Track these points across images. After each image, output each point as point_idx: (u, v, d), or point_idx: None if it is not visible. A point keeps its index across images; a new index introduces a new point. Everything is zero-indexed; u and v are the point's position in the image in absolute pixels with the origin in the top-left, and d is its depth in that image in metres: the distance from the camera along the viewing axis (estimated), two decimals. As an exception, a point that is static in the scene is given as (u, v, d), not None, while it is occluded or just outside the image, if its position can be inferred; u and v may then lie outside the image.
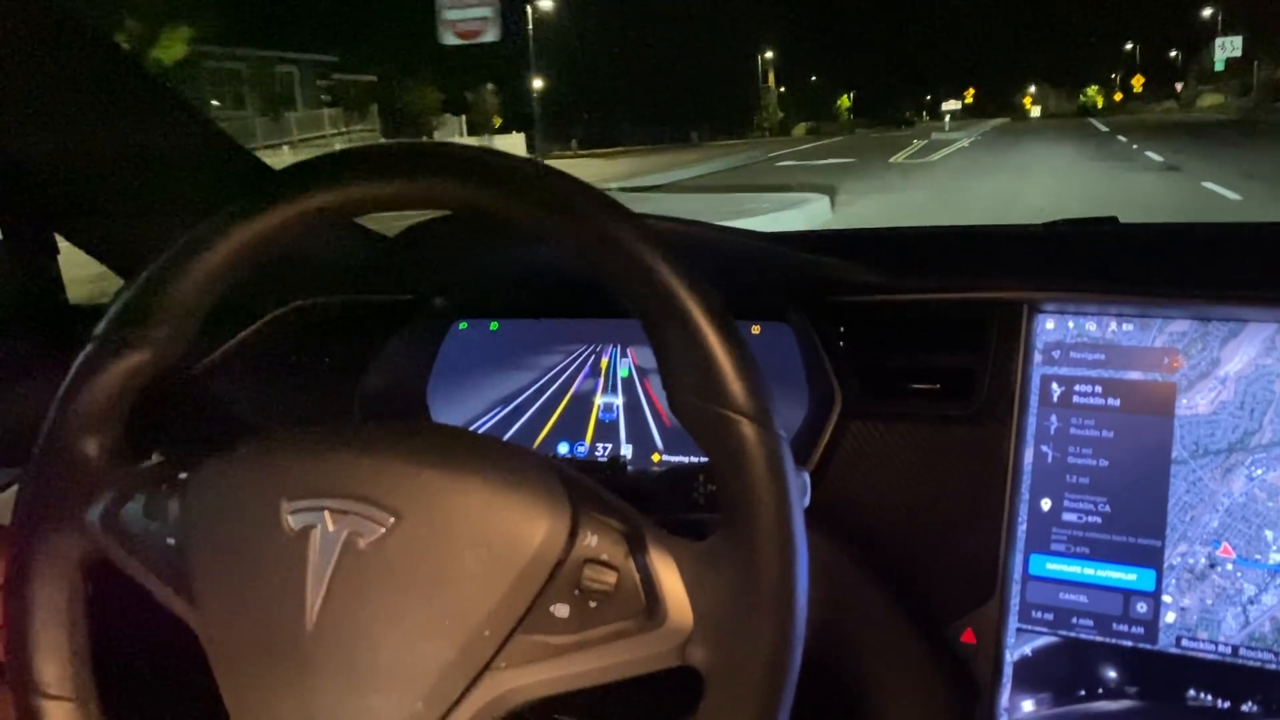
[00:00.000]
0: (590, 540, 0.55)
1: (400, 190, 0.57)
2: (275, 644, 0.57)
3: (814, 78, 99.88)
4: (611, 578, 0.54)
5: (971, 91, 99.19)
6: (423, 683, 0.54)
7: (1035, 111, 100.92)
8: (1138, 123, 43.36)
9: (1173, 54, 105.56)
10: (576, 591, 0.54)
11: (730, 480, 0.53)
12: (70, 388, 0.62)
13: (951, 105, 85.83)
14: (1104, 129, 35.25)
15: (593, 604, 0.54)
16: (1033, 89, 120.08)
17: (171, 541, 0.61)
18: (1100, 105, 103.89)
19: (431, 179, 0.56)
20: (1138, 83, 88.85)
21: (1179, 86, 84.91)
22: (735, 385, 0.52)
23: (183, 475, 0.62)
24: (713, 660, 0.53)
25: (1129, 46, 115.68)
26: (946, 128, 41.87)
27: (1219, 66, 66.13)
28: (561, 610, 0.55)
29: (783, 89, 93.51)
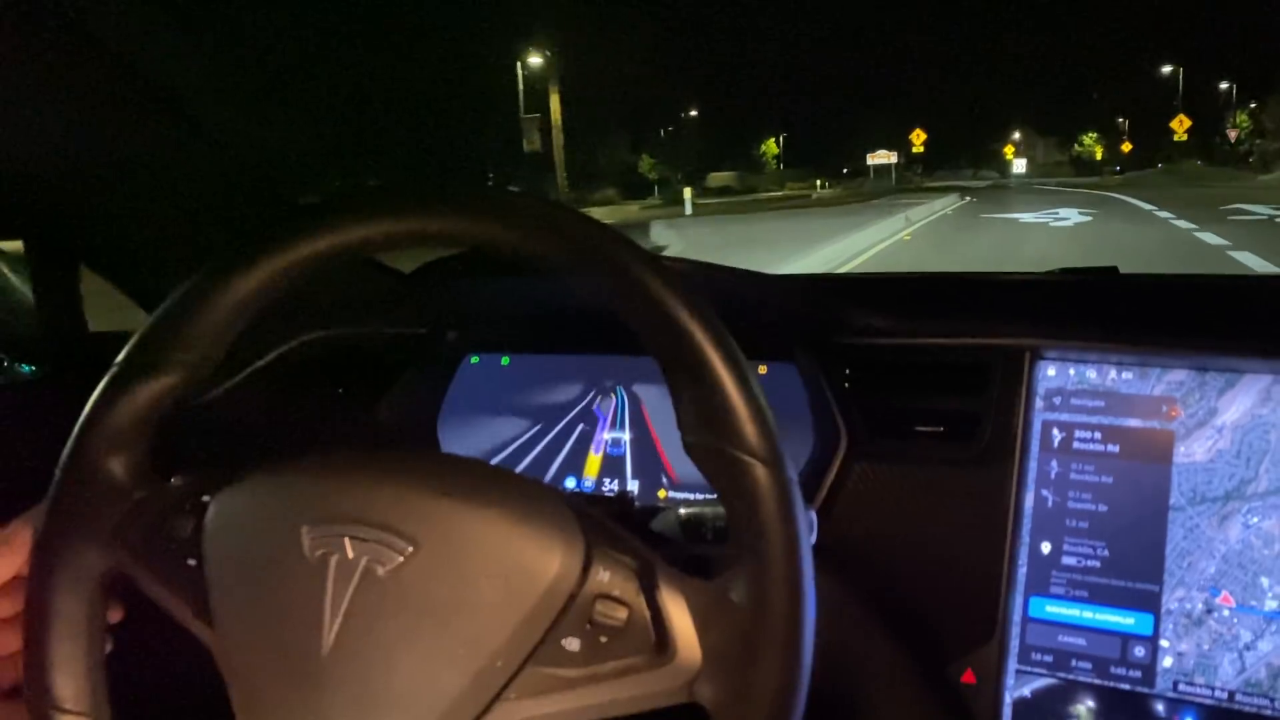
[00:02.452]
0: (603, 575, 0.56)
1: (430, 227, 0.59)
2: (291, 667, 0.58)
3: (693, 112, 72.76)
4: (623, 613, 0.55)
5: (921, 136, 62.16)
6: (435, 710, 0.55)
7: (1019, 166, 76.47)
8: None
9: (1224, 85, 66.85)
10: (588, 625, 0.56)
11: (741, 521, 0.55)
12: (96, 407, 0.63)
13: (881, 158, 58.60)
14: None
15: (603, 638, 0.55)
16: (1016, 135, 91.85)
17: (192, 562, 0.62)
18: (1100, 157, 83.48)
19: (460, 217, 0.58)
20: (1180, 126, 51.19)
21: (1232, 134, 55.96)
22: (749, 428, 0.54)
23: (205, 497, 0.63)
24: (720, 698, 0.54)
25: (1166, 70, 73.15)
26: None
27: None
28: (573, 644, 0.56)
29: (670, 127, 69.40)
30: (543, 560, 0.56)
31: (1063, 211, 19.00)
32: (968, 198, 30.13)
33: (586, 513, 0.59)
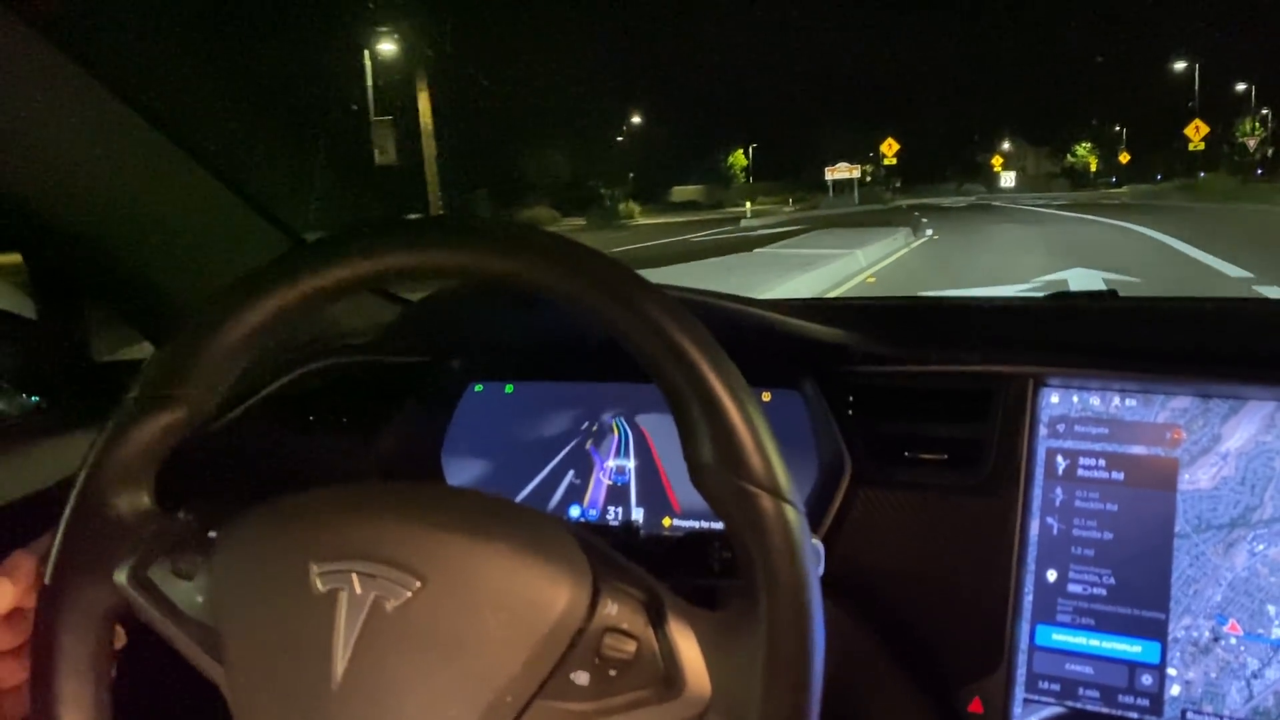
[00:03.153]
0: (611, 609, 0.56)
1: (440, 261, 0.59)
2: (300, 703, 0.58)
3: (635, 119, 61.77)
4: (631, 647, 0.55)
5: (893, 146, 53.81)
6: None
7: (1008, 179, 72.38)
8: None
9: (1240, 87, 56.55)
10: (597, 659, 0.56)
11: (749, 552, 0.55)
12: (105, 444, 0.63)
13: (841, 173, 49.97)
14: None
15: (612, 672, 0.56)
16: (1006, 145, 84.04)
17: (200, 599, 0.62)
18: (1095, 169, 76.91)
19: (471, 251, 0.58)
20: (1196, 133, 42.15)
21: (1251, 141, 48.72)
22: (755, 459, 0.54)
23: (212, 534, 0.63)
24: None
25: (1178, 66, 63.38)
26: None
27: None
28: (581, 678, 0.56)
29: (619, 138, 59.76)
30: (550, 594, 0.56)
31: (1077, 280, 9.54)
32: (928, 232, 18.28)
33: (592, 544, 0.60)
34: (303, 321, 0.63)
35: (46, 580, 0.63)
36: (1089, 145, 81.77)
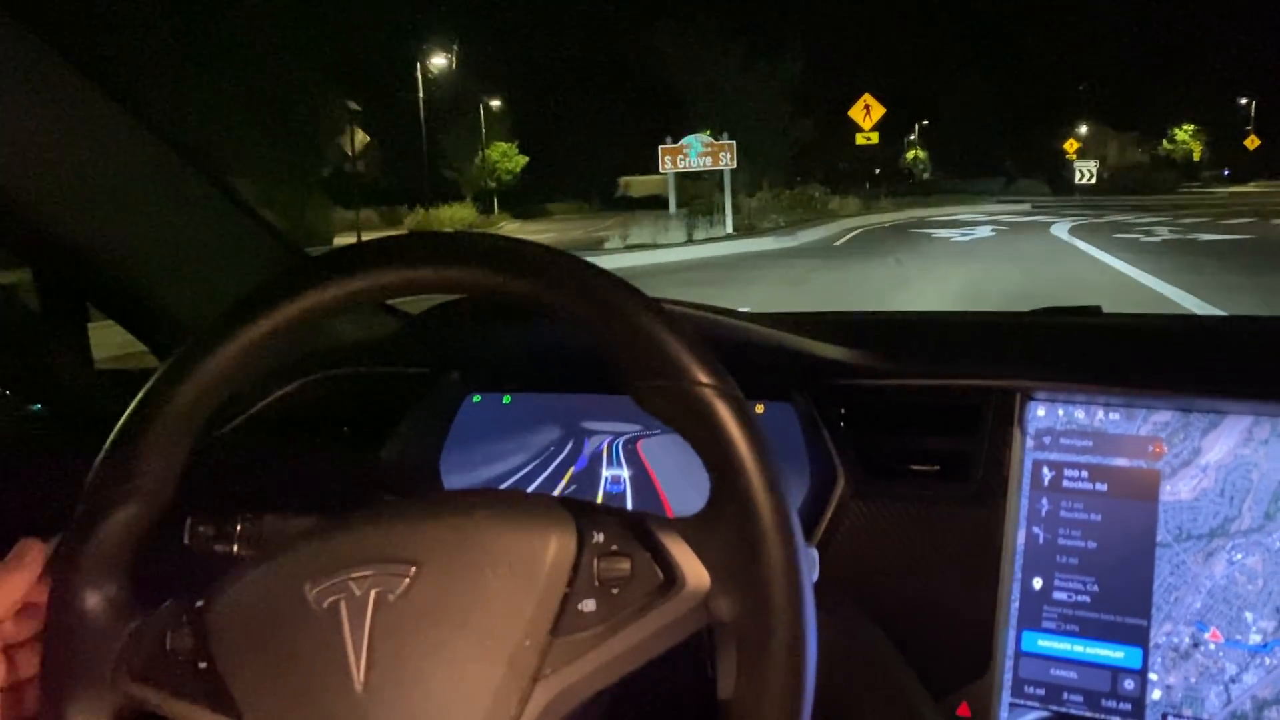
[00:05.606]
0: (598, 537, 0.60)
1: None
2: (332, 718, 0.59)
3: (436, 58, 36.11)
4: (625, 564, 0.59)
5: (874, 110, 24.92)
6: (480, 706, 0.57)
7: (1086, 171, 42.19)
8: None
9: None
10: (597, 584, 0.58)
11: (708, 444, 0.58)
12: (69, 552, 0.63)
13: (703, 155, 20.16)
14: None
15: (615, 591, 0.58)
16: (1083, 129, 59.91)
17: (203, 665, 0.62)
18: (1198, 158, 60.32)
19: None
20: None
21: None
22: (686, 359, 0.58)
23: (199, 603, 0.63)
24: (737, 605, 0.57)
25: None
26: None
27: None
28: (589, 605, 0.58)
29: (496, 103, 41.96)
30: (539, 541, 0.59)
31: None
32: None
33: (565, 496, 0.63)
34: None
35: (46, 695, 0.63)
36: (1192, 128, 63.70)
